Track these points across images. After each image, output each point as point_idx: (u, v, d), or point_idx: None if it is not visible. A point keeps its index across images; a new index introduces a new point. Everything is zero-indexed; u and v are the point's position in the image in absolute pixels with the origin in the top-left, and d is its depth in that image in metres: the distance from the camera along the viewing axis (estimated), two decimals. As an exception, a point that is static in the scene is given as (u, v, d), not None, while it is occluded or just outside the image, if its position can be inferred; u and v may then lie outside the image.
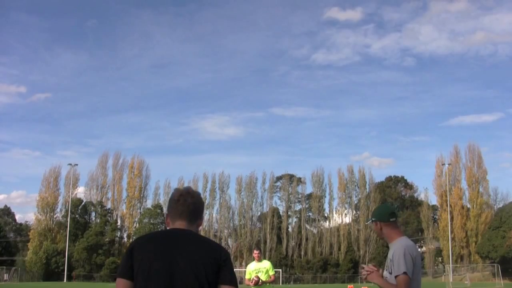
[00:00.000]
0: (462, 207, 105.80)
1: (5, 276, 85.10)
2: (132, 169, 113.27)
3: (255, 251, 12.49)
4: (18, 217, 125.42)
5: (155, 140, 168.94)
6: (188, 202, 3.32)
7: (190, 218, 3.32)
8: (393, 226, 4.87)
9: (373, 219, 4.92)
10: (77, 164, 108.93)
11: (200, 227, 3.47)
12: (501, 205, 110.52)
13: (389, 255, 4.81)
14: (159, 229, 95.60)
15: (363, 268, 4.86)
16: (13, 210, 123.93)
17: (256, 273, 11.86)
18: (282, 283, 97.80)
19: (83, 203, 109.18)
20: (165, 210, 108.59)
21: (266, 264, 12.21)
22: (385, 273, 4.76)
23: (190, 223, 3.32)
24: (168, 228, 3.38)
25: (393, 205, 5.35)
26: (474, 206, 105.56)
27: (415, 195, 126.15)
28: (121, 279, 3.19)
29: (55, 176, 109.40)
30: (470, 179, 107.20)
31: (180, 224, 3.30)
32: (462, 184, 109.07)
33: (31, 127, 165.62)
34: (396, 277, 4.49)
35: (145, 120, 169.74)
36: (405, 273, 4.45)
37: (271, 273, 12.13)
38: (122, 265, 3.22)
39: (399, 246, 4.65)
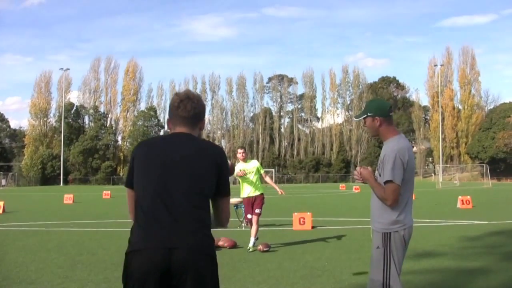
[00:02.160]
0: (453, 108, 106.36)
1: (3, 181, 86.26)
2: (128, 72, 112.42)
3: (239, 151, 11.84)
4: (14, 123, 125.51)
5: (146, 43, 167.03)
6: (188, 108, 3.32)
7: (191, 122, 3.35)
8: (390, 122, 4.68)
9: (369, 113, 4.63)
10: (68, 69, 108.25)
11: (202, 130, 3.50)
12: (492, 107, 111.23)
13: (381, 155, 4.63)
14: (153, 131, 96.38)
15: (356, 170, 4.75)
16: (9, 116, 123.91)
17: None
18: (275, 182, 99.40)
19: (76, 107, 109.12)
20: (158, 112, 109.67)
21: (254, 164, 11.64)
22: (376, 173, 4.69)
23: (192, 128, 3.36)
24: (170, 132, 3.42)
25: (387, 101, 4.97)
26: (465, 107, 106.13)
27: (407, 95, 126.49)
28: (128, 188, 3.30)
29: (46, 81, 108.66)
30: (462, 80, 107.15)
31: (181, 130, 3.33)
32: (454, 85, 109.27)
33: (22, 32, 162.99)
34: (384, 182, 4.45)
35: (136, 22, 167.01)
36: (392, 181, 4.38)
37: (262, 171, 11.61)
38: (128, 175, 3.32)
39: (391, 149, 4.50)
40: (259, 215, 11.31)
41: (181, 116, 3.32)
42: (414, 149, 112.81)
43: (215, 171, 3.20)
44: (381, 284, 4.48)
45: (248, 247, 10.95)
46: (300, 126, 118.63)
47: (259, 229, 11.75)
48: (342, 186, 64.51)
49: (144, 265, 2.98)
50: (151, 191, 3.12)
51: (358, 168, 4.72)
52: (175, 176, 3.12)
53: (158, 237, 3.01)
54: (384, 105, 4.74)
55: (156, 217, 3.06)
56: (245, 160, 11.69)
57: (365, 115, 4.65)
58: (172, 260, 2.97)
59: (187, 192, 3.11)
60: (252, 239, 11.12)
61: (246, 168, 11.48)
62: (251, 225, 11.41)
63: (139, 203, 3.16)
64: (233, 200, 15.16)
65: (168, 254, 2.97)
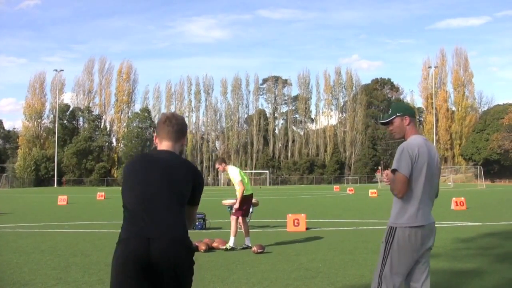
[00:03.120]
0: (447, 110, 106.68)
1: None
2: (121, 73, 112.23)
3: (216, 165, 12.26)
4: (9, 124, 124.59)
5: (141, 44, 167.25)
6: (173, 123, 3.90)
7: (175, 137, 3.90)
8: (415, 123, 4.81)
9: (398, 113, 4.75)
10: (62, 70, 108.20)
11: (183, 145, 4.11)
12: (485, 108, 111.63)
13: None
14: (147, 133, 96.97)
15: (384, 173, 4.78)
16: (3, 117, 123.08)
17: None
18: (269, 184, 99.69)
19: (70, 109, 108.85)
20: (153, 114, 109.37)
21: (231, 173, 11.73)
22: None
23: (175, 142, 3.91)
24: (156, 147, 3.96)
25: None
26: (459, 109, 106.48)
27: (401, 97, 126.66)
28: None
29: (40, 82, 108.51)
30: (456, 82, 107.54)
31: (166, 145, 3.89)
32: (448, 87, 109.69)
33: (15, 33, 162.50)
34: (392, 172, 4.55)
35: (130, 24, 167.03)
36: (397, 170, 4.47)
37: (236, 180, 11.56)
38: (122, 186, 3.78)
39: (401, 144, 4.62)
40: (233, 215, 11.61)
41: (166, 131, 3.90)
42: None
43: (191, 185, 3.75)
44: (376, 283, 4.56)
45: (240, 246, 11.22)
46: (294, 128, 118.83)
47: (253, 230, 11.75)
48: (336, 187, 64.50)
49: (125, 252, 3.46)
50: (137, 199, 3.62)
51: (386, 170, 4.76)
52: (157, 187, 3.63)
53: (140, 230, 3.48)
54: (410, 106, 4.91)
55: (140, 216, 3.53)
56: (224, 170, 12.03)
57: (395, 116, 4.74)
58: (151, 250, 3.40)
59: (167, 200, 3.61)
60: (246, 239, 11.47)
61: (229, 177, 11.86)
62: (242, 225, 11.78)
63: (127, 208, 3.64)
64: (227, 202, 15.20)
65: (147, 244, 3.41)
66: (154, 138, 4.02)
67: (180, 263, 3.49)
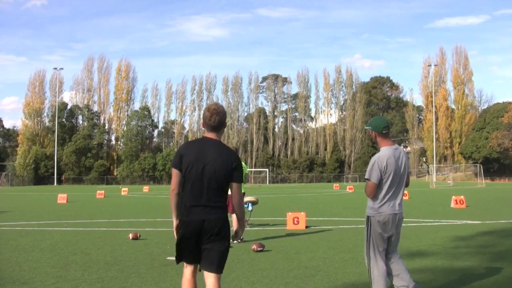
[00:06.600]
0: (447, 108, 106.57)
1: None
2: (120, 71, 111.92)
3: None
4: (10, 123, 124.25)
5: (140, 43, 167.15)
6: (217, 120, 4.99)
7: (217, 129, 5.04)
8: (383, 137, 5.95)
9: (367, 127, 6.03)
10: (62, 68, 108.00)
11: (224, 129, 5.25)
12: (485, 107, 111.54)
13: None
14: (147, 131, 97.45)
15: None
16: (6, 116, 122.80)
17: None
18: (269, 182, 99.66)
19: (69, 107, 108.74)
20: (153, 112, 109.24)
21: None
22: None
23: (218, 132, 5.05)
24: (203, 134, 5.12)
25: (386, 120, 6.16)
26: (459, 107, 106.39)
27: (401, 95, 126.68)
28: (175, 169, 4.96)
29: (39, 81, 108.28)
30: (456, 81, 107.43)
31: (211, 135, 5.03)
32: (448, 85, 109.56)
33: (15, 32, 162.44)
34: (364, 179, 5.92)
35: (129, 23, 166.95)
36: (368, 179, 5.80)
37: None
38: (175, 161, 5.00)
39: (374, 156, 5.89)
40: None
41: (211, 125, 5.01)
42: (408, 149, 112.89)
43: (230, 168, 4.88)
44: (367, 265, 5.91)
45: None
46: (294, 126, 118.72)
47: (252, 228, 11.74)
48: (336, 185, 64.50)
49: (187, 229, 4.83)
50: (192, 178, 4.84)
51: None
52: (206, 166, 4.83)
53: (197, 213, 4.82)
54: (379, 124, 5.97)
55: (195, 197, 4.84)
56: None
57: (368, 127, 6.06)
58: (204, 226, 4.79)
59: (212, 181, 4.82)
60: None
61: None
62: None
63: (185, 186, 4.91)
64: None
65: (201, 223, 4.80)
66: (202, 123, 5.20)
67: (221, 232, 4.88)
